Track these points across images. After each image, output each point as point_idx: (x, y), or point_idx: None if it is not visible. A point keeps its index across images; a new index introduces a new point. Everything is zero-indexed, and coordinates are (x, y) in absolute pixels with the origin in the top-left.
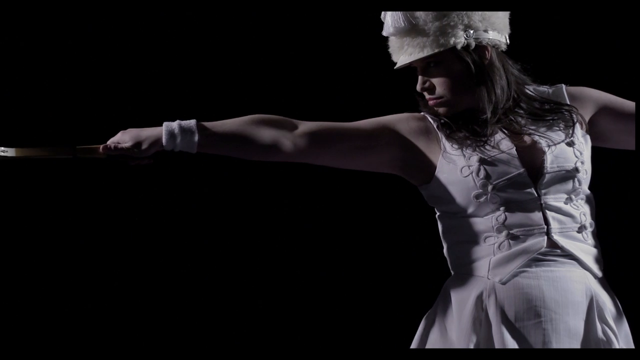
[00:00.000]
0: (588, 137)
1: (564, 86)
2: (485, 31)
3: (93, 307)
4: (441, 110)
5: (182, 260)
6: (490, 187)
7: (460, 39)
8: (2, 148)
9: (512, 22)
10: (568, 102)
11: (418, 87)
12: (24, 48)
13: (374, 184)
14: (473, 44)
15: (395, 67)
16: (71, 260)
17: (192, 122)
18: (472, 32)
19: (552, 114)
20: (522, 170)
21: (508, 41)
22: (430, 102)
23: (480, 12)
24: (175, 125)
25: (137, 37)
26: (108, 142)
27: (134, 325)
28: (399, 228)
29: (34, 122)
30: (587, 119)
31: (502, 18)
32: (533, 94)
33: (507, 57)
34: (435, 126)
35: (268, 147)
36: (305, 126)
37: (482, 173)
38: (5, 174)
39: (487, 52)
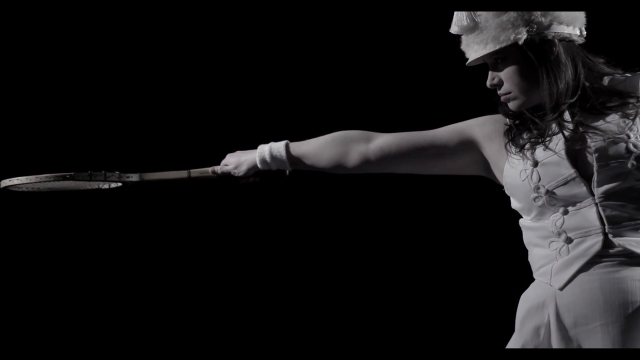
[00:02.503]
0: None
1: None
2: (550, 25)
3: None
4: (511, 105)
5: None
6: (543, 190)
7: (521, 35)
8: (127, 174)
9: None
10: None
11: (487, 83)
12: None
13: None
14: (537, 39)
15: (466, 64)
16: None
17: (281, 147)
18: (535, 27)
19: (615, 107)
20: (572, 171)
21: (584, 33)
22: (502, 98)
23: None
24: (266, 150)
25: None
26: (219, 165)
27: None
28: (493, 231)
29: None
30: None
31: (570, 11)
32: (604, 87)
33: (584, 51)
34: (505, 129)
35: (349, 163)
36: (382, 139)
37: (535, 176)
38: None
39: (554, 47)
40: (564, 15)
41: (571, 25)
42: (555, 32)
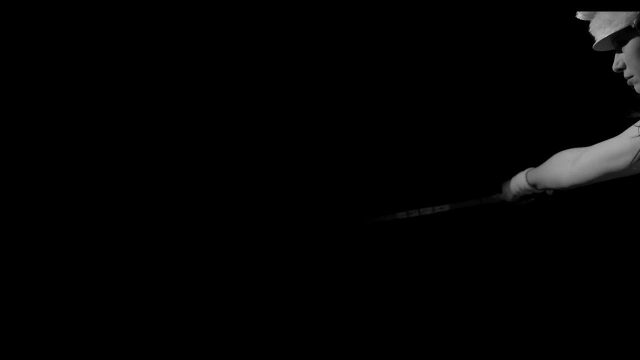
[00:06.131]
0: None
1: None
2: None
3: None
4: (636, 88)
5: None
6: None
7: (633, 18)
8: (440, 206)
9: None
10: None
11: (613, 67)
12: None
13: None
14: None
15: (593, 48)
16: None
17: (523, 177)
18: None
19: None
20: None
21: None
22: (627, 82)
23: None
24: (515, 186)
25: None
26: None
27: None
28: None
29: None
30: None
31: None
32: None
33: None
34: None
35: (564, 184)
36: (581, 157)
37: None
38: None
39: None
40: None
41: None
42: None
